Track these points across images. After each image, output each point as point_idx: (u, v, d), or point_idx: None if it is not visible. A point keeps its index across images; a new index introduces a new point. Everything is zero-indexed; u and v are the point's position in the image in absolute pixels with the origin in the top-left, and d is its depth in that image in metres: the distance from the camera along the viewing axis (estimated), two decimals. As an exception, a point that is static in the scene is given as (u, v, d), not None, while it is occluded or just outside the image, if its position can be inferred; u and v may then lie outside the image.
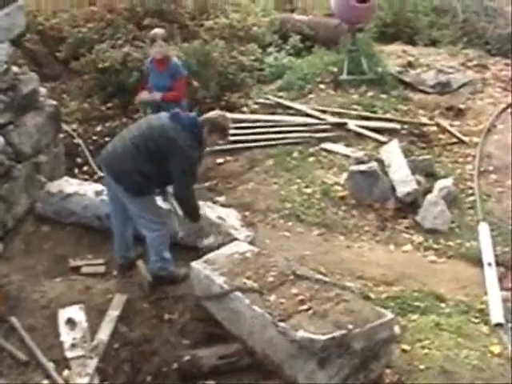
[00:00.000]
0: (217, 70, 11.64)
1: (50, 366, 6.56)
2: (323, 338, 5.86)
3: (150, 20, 12.11)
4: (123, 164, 7.06)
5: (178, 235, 7.69)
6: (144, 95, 9.36)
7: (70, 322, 6.93)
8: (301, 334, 5.93)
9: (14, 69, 8.73)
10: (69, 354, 6.67)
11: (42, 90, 9.18)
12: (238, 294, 6.48)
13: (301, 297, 6.33)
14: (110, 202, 7.52)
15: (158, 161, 7.00)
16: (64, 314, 7.04)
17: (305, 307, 6.20)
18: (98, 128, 10.93)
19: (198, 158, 7.20)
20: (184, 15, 12.82)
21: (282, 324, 6.07)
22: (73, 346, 6.73)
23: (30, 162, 8.61)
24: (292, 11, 16.14)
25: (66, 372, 6.53)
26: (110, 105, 11.36)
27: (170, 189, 7.54)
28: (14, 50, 8.96)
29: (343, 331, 5.92)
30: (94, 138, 10.73)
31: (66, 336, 6.83)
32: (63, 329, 6.91)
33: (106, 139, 10.27)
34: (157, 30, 9.43)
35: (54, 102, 9.31)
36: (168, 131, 7.03)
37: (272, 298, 6.35)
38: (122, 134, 7.61)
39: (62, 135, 9.51)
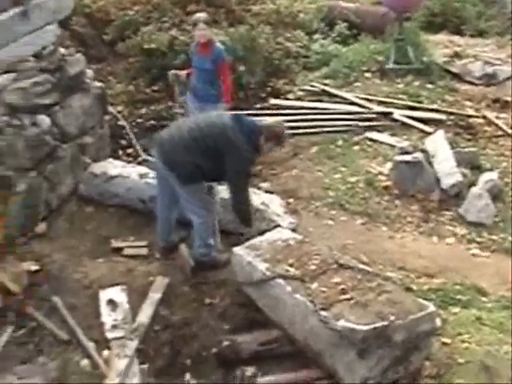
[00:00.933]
0: (262, 56, 11.64)
1: (91, 345, 6.59)
2: (364, 328, 5.81)
3: (196, 5, 12.11)
4: (179, 154, 7.07)
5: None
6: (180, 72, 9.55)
7: (112, 303, 6.98)
8: (342, 323, 5.89)
9: (62, 50, 8.76)
10: (109, 335, 6.70)
11: (89, 72, 9.19)
12: (280, 281, 6.45)
13: (343, 286, 6.27)
14: (158, 186, 7.54)
15: (214, 157, 7.02)
16: (105, 294, 7.10)
17: (347, 296, 6.15)
18: (143, 110, 10.96)
19: (253, 161, 7.28)
20: (231, 0, 12.79)
21: (323, 313, 6.03)
22: (113, 326, 6.76)
23: (76, 142, 8.65)
24: (339, -2, 16.03)
25: (105, 352, 6.55)
26: (155, 88, 11.39)
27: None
28: (61, 31, 8.98)
29: (385, 322, 5.87)
30: (139, 120, 10.77)
31: (107, 317, 6.87)
32: (104, 309, 6.95)
33: (151, 122, 10.33)
34: (199, 14, 9.46)
35: (101, 84, 9.34)
36: (227, 131, 7.06)
37: (314, 286, 6.31)
38: (178, 123, 7.78)
39: (107, 117, 9.53)
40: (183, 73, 9.53)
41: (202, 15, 9.36)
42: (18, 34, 8.12)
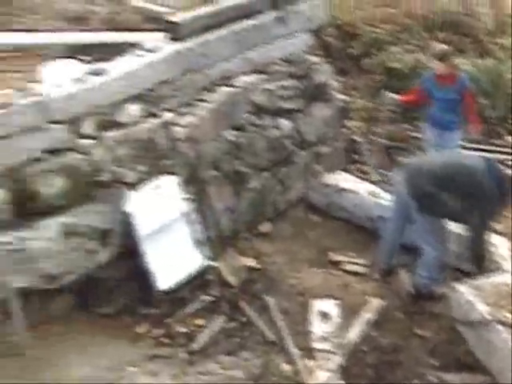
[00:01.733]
0: (505, 92, 11.31)
1: (295, 351, 6.62)
2: None
3: (444, 33, 11.98)
4: (427, 187, 7.00)
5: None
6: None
7: (323, 315, 7.01)
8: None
9: (311, 58, 8.93)
10: (316, 345, 6.70)
11: (334, 83, 9.32)
12: (499, 326, 6.26)
13: None
14: (395, 210, 7.50)
15: (459, 197, 6.93)
16: (318, 305, 7.14)
17: None
18: (378, 129, 10.92)
19: (498, 209, 7.13)
20: (480, 30, 12.54)
21: (539, 368, 5.83)
22: (322, 338, 6.76)
23: (312, 150, 8.80)
24: None
25: (308, 362, 6.54)
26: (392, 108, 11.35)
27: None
28: (313, 40, 9.15)
29: None
30: (373, 138, 10.74)
31: (317, 327, 6.90)
32: (315, 319, 6.99)
33: (385, 142, 10.30)
34: (436, 47, 9.37)
35: (344, 97, 9.43)
36: (477, 175, 6.94)
37: (533, 338, 6.10)
38: (427, 157, 8.16)
39: (344, 130, 9.61)
40: (400, 98, 9.48)
41: (438, 49, 9.24)
42: (271, 38, 8.39)
